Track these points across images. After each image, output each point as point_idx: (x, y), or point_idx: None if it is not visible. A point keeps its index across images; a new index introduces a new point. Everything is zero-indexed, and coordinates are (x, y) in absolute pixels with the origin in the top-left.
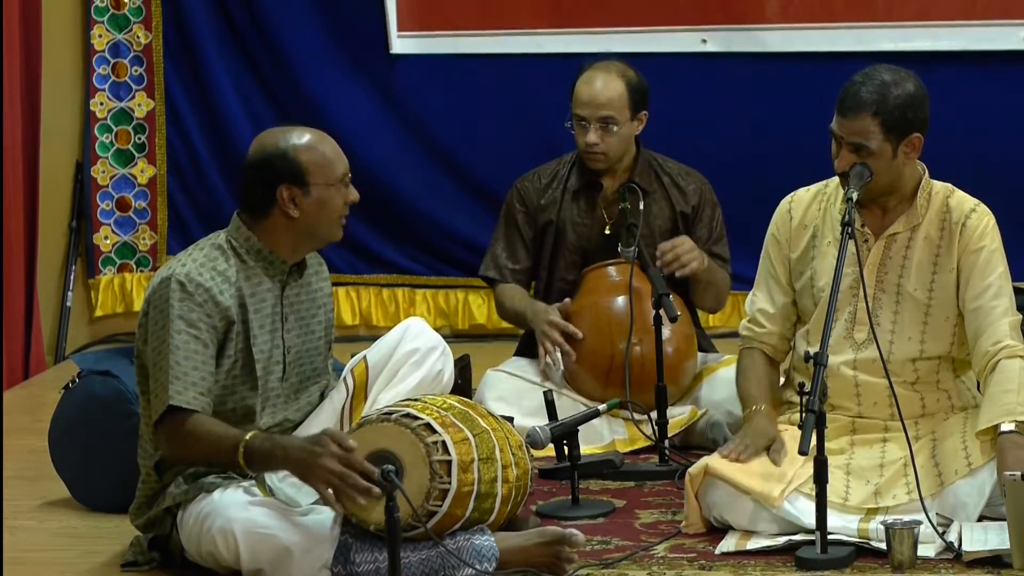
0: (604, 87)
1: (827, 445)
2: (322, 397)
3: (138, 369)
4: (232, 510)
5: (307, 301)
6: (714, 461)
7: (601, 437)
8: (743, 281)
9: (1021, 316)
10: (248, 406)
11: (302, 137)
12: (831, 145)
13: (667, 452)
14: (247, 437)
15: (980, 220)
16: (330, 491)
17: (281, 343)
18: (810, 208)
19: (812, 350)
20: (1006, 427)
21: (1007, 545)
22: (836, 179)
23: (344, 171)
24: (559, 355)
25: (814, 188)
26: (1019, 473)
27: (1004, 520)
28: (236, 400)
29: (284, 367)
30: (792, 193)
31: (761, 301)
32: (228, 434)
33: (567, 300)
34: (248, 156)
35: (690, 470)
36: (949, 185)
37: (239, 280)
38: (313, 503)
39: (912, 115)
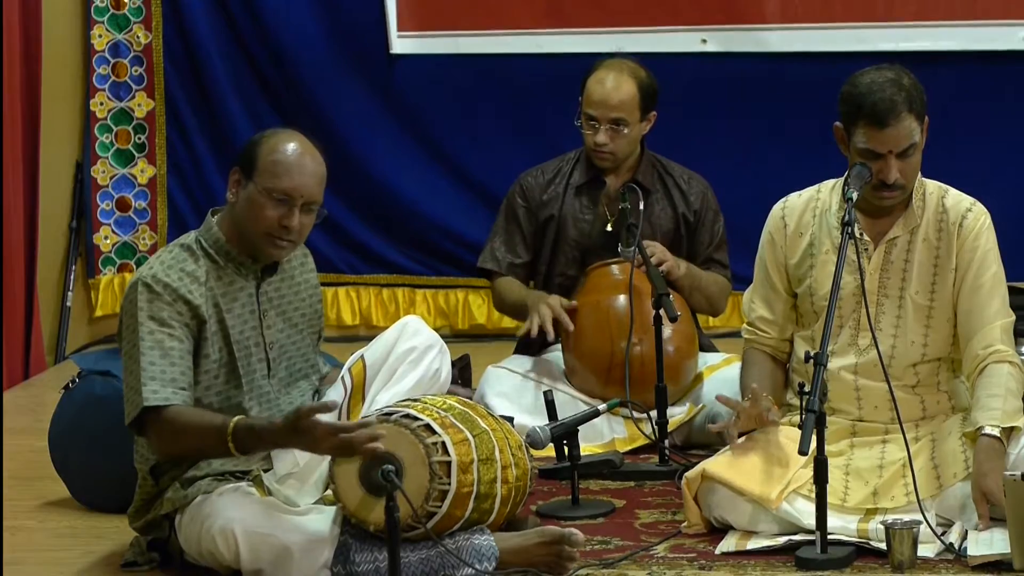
0: (616, 88)
1: (827, 447)
2: (317, 394)
3: None
4: (232, 510)
5: (289, 295)
6: (711, 465)
7: (601, 436)
8: (744, 281)
9: (1014, 317)
10: (236, 405)
11: (282, 142)
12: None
13: (667, 452)
14: (231, 429)
15: (976, 220)
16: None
17: (262, 340)
18: (804, 215)
19: (812, 351)
20: (988, 430)
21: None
22: (828, 184)
23: (286, 191)
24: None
25: (806, 194)
26: (1019, 473)
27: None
28: (223, 400)
29: (268, 363)
30: (784, 199)
31: (760, 308)
32: (212, 424)
33: (574, 301)
34: None
35: (687, 474)
36: (941, 184)
37: (210, 280)
38: (313, 503)
39: (924, 98)
